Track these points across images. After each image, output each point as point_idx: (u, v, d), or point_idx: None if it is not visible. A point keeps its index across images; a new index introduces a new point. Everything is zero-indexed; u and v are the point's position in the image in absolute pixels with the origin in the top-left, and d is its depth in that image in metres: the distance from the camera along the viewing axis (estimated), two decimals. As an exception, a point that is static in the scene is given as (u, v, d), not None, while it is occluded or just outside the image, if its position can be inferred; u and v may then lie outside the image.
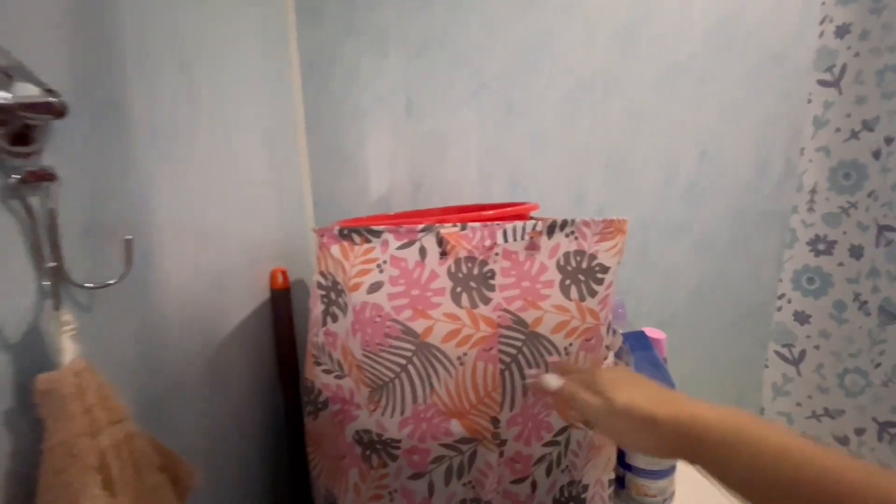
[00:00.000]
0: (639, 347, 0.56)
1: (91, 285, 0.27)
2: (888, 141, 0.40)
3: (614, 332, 0.57)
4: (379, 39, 0.90)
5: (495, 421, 0.44)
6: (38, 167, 0.24)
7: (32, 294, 0.25)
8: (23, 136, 0.24)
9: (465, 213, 0.54)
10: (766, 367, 0.46)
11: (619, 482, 0.60)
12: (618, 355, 0.57)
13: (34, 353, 0.25)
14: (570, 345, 0.44)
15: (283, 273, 0.67)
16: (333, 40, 0.89)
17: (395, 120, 0.93)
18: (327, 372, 0.49)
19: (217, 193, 0.50)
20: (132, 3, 0.35)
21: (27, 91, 0.22)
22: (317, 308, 0.48)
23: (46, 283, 0.25)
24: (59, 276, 0.25)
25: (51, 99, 0.22)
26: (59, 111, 0.23)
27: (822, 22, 0.42)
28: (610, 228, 0.46)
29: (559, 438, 0.46)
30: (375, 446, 0.46)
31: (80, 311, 0.27)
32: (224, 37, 0.55)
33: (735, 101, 0.94)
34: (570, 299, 0.44)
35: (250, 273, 0.61)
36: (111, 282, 0.28)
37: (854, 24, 0.40)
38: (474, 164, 0.96)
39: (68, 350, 0.24)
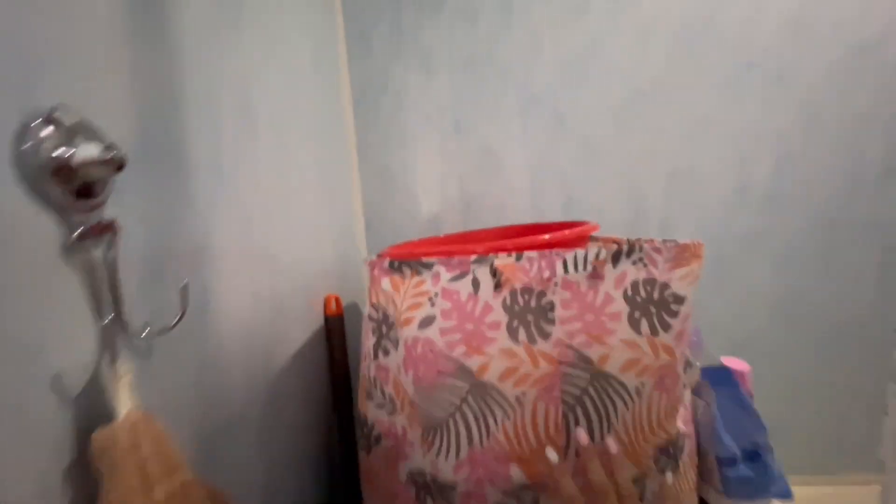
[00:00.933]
0: (721, 383, 0.50)
1: (145, 335, 0.27)
2: None
3: (690, 365, 0.52)
4: (426, 60, 0.90)
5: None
6: (100, 220, 0.25)
7: (92, 346, 0.25)
8: (86, 190, 0.24)
9: (519, 238, 0.51)
10: (887, 414, 0.39)
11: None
12: (696, 392, 0.51)
13: (93, 406, 0.25)
14: (642, 385, 0.40)
15: (337, 299, 0.67)
16: (382, 65, 0.91)
17: (444, 139, 0.92)
18: (379, 406, 0.47)
19: (276, 223, 0.51)
20: (198, 51, 0.36)
21: (88, 149, 0.23)
22: (368, 341, 0.47)
23: (105, 335, 0.25)
24: (117, 328, 0.25)
25: (110, 155, 0.23)
26: (118, 165, 0.23)
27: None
28: (685, 254, 0.41)
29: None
30: (430, 489, 0.44)
31: (139, 359, 0.28)
32: (281, 74, 0.57)
33: (817, 99, 0.85)
34: (640, 334, 0.40)
35: (305, 300, 0.61)
36: (170, 326, 0.29)
37: None
38: (526, 180, 0.93)
39: (124, 401, 0.24)
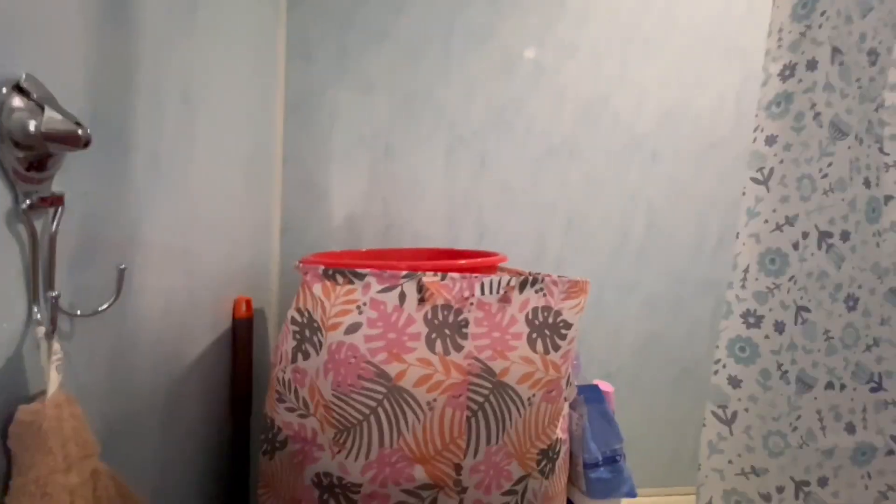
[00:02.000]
0: (592, 400, 0.60)
1: (80, 313, 0.27)
2: (804, 235, 0.48)
3: (570, 383, 0.61)
4: (367, 87, 0.95)
5: (458, 468, 0.45)
6: (50, 193, 0.25)
7: (21, 320, 0.24)
8: (40, 163, 0.24)
9: (437, 261, 0.57)
10: (704, 425, 0.51)
11: (567, 534, 0.61)
12: (572, 406, 0.60)
13: (14, 382, 0.24)
14: (533, 395, 0.47)
15: (248, 302, 0.66)
16: (321, 83, 0.93)
17: (374, 161, 0.96)
18: (290, 410, 0.48)
19: (200, 220, 0.50)
20: (150, 39, 0.37)
21: (55, 123, 0.23)
22: (287, 344, 0.48)
23: (38, 310, 0.25)
24: (55, 305, 0.25)
25: (77, 131, 0.23)
26: (84, 142, 0.23)
27: (755, 130, 0.50)
28: (575, 289, 0.50)
29: (517, 488, 0.48)
30: (335, 490, 0.45)
31: (63, 339, 0.27)
32: (221, 71, 0.57)
33: (681, 178, 1.05)
34: (535, 352, 0.47)
35: (217, 300, 0.60)
36: (101, 309, 0.28)
37: (780, 136, 0.48)
38: (445, 209, 1.00)
39: (53, 381, 0.24)
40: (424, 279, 0.44)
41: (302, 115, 0.93)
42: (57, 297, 0.24)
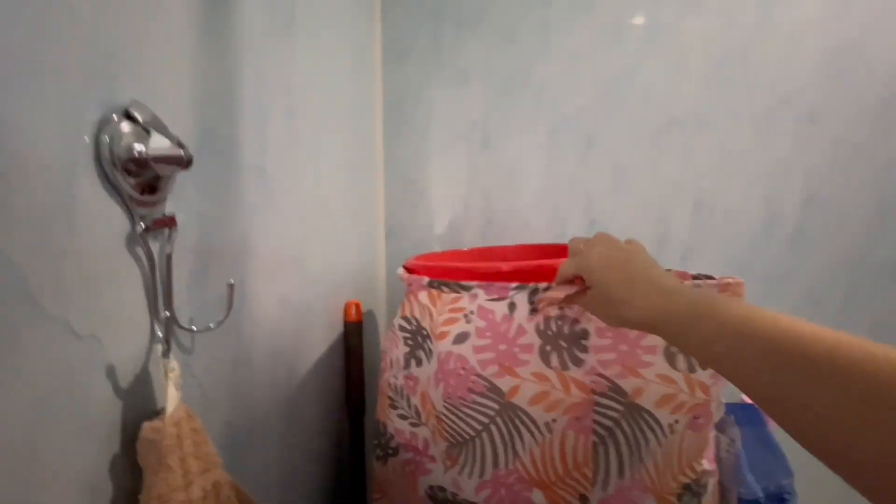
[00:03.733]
0: (747, 422, 0.49)
1: (196, 328, 0.27)
2: None
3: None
4: (461, 75, 0.91)
5: (584, 499, 0.40)
6: (162, 215, 0.25)
7: (145, 338, 0.25)
8: (151, 187, 0.24)
9: (545, 258, 0.51)
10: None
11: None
12: (719, 428, 0.50)
13: (141, 398, 0.25)
14: (676, 422, 0.39)
15: (357, 306, 0.67)
16: (417, 78, 0.92)
17: (471, 154, 0.93)
18: (402, 417, 0.47)
19: (307, 228, 0.51)
20: (252, 54, 0.37)
21: (161, 144, 0.23)
22: (398, 349, 0.47)
23: (158, 328, 0.25)
24: (170, 321, 0.25)
25: (180, 152, 0.23)
26: (186, 163, 0.23)
27: None
28: (726, 291, 0.40)
29: (656, 526, 0.40)
30: (448, 507, 0.43)
31: (185, 354, 0.28)
32: (322, 82, 0.57)
33: (851, 140, 0.84)
34: (676, 369, 0.39)
35: (327, 305, 0.61)
36: (212, 325, 0.28)
37: None
38: (551, 200, 0.92)
39: (172, 398, 0.24)
40: (535, 290, 0.39)
41: (400, 116, 0.94)
42: (171, 316, 0.25)
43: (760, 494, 0.47)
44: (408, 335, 0.45)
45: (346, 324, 0.66)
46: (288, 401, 0.46)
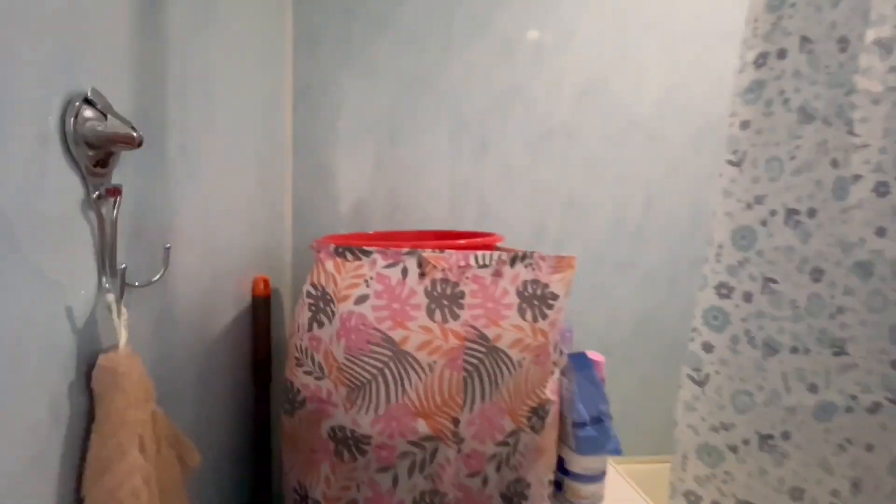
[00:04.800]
0: (580, 367, 0.65)
1: (137, 284, 0.33)
2: (772, 213, 0.52)
3: (561, 352, 0.66)
4: (371, 74, 0.99)
5: (456, 421, 0.52)
6: (111, 185, 0.30)
7: (94, 289, 0.30)
8: (103, 161, 0.29)
9: (440, 241, 0.62)
10: (680, 387, 0.56)
11: (558, 486, 0.68)
12: (563, 373, 0.66)
13: (92, 337, 0.30)
14: (523, 358, 0.52)
15: (266, 281, 0.72)
16: (327, 71, 0.97)
17: (379, 147, 1.01)
18: (308, 373, 0.54)
19: (219, 207, 0.56)
20: (177, 42, 0.41)
21: (116, 127, 0.28)
22: (304, 315, 0.54)
23: (107, 280, 0.30)
24: (123, 276, 0.30)
25: (133, 134, 0.29)
26: (138, 143, 0.29)
27: (731, 115, 0.54)
28: (562, 264, 0.55)
29: (510, 440, 0.54)
30: (348, 442, 0.52)
31: (124, 306, 0.33)
32: (235, 63, 0.61)
33: (678, 158, 1.09)
34: (525, 320, 0.52)
35: (238, 279, 0.66)
36: (154, 279, 0.34)
37: (752, 121, 0.52)
38: (448, 193, 1.05)
39: (123, 336, 0.30)
40: (424, 254, 0.50)
41: (310, 104, 0.98)
42: (125, 269, 0.30)
43: (586, 417, 0.64)
44: (312, 301, 0.53)
45: (254, 297, 0.71)
46: (202, 359, 0.51)
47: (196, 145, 0.47)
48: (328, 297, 0.51)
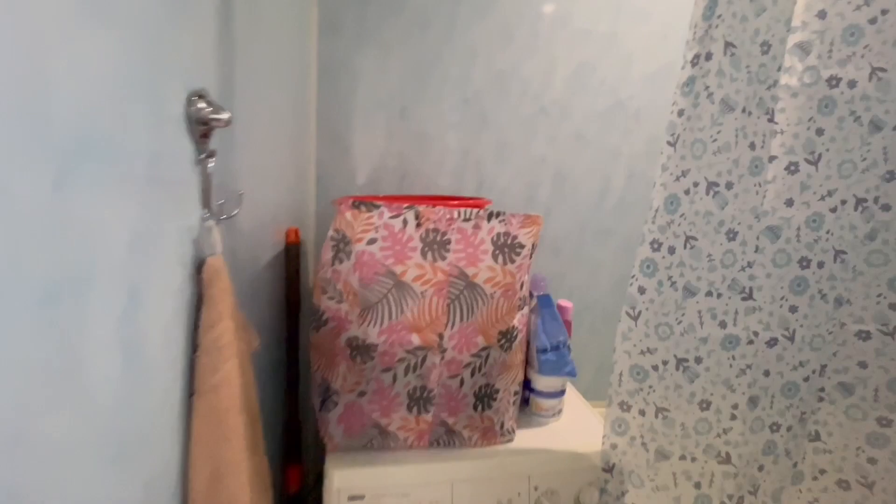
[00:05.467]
0: (545, 305, 0.81)
1: (223, 217, 0.49)
2: (695, 184, 0.66)
3: (531, 294, 0.82)
4: (384, 54, 1.12)
5: (441, 336, 0.68)
6: (210, 149, 0.46)
7: (198, 217, 0.46)
8: (206, 133, 0.45)
9: (437, 202, 0.78)
10: (619, 321, 0.72)
11: (525, 401, 0.85)
12: (532, 310, 0.82)
13: (198, 249, 0.47)
14: (494, 292, 0.69)
15: (296, 231, 0.89)
16: (346, 52, 1.10)
17: (390, 120, 1.15)
18: (330, 298, 0.71)
19: (264, 167, 0.72)
20: (241, 37, 0.56)
21: (221, 114, 0.44)
22: (328, 254, 0.70)
23: (207, 212, 0.47)
24: (219, 209, 0.47)
25: (227, 116, 0.44)
26: (227, 122, 0.44)
27: (672, 104, 0.67)
28: (529, 220, 0.70)
29: (482, 353, 0.71)
30: (360, 349, 0.69)
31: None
32: (275, 52, 0.76)
33: (658, 136, 1.20)
34: (497, 263, 0.68)
35: (274, 228, 0.82)
36: (233, 214, 0.50)
37: (685, 110, 0.65)
38: (450, 162, 1.19)
39: (219, 247, 0.46)
40: (420, 209, 0.65)
41: (330, 80, 1.12)
42: (221, 204, 0.47)
43: (548, 344, 0.80)
44: (334, 243, 0.69)
45: (287, 245, 0.88)
46: (252, 286, 0.68)
47: (251, 119, 0.62)
48: (347, 239, 0.67)
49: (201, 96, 0.44)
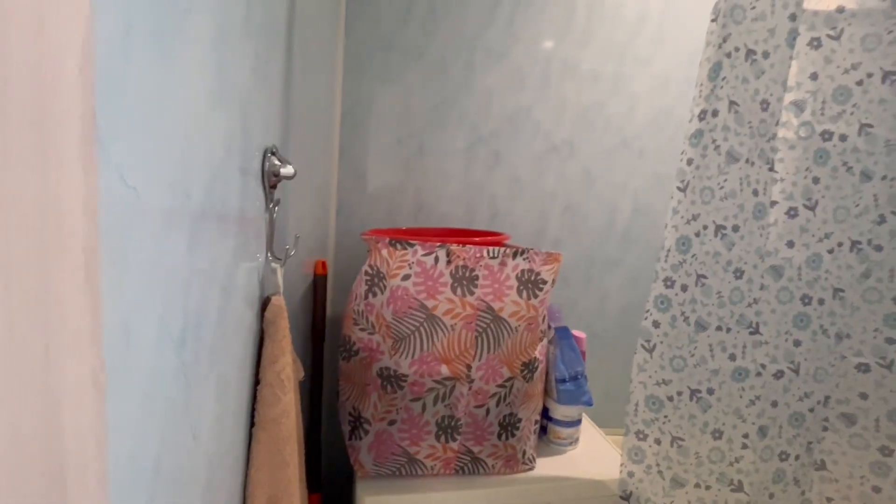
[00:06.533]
0: (563, 337, 0.85)
1: (282, 259, 0.54)
2: (704, 227, 0.71)
3: (549, 325, 0.87)
4: (404, 95, 1.19)
5: (468, 367, 0.72)
6: (277, 198, 0.51)
7: (264, 260, 0.51)
8: (274, 184, 0.50)
9: (460, 237, 0.83)
10: (635, 353, 0.76)
11: (543, 430, 0.88)
12: (550, 342, 0.86)
13: (264, 288, 0.51)
14: (519, 325, 0.73)
15: (324, 263, 0.93)
16: (369, 93, 1.17)
17: (409, 157, 1.21)
18: (362, 330, 0.75)
19: (303, 206, 0.77)
20: (298, 103, 0.62)
21: (287, 169, 0.49)
22: (361, 287, 0.75)
23: (270, 254, 0.51)
24: (286, 253, 0.51)
25: (292, 171, 0.49)
26: (293, 176, 0.49)
27: (681, 153, 0.73)
28: (550, 258, 0.75)
29: (507, 384, 0.75)
30: (391, 379, 0.73)
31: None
32: (313, 97, 0.82)
33: (661, 173, 1.28)
34: (521, 298, 0.73)
35: (305, 261, 0.87)
36: (290, 255, 0.55)
37: (694, 159, 0.71)
38: (465, 196, 1.25)
39: (281, 287, 0.50)
40: (451, 248, 0.70)
41: (354, 120, 1.18)
42: (287, 249, 0.51)
43: (566, 374, 0.84)
44: (368, 277, 0.74)
45: (316, 276, 0.92)
46: (292, 320, 0.72)
47: (300, 166, 0.67)
48: (381, 274, 0.72)
49: (273, 153, 0.49)
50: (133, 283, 0.23)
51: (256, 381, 0.49)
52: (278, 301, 0.50)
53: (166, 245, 0.27)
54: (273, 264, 0.51)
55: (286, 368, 0.49)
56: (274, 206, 0.50)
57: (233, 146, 0.39)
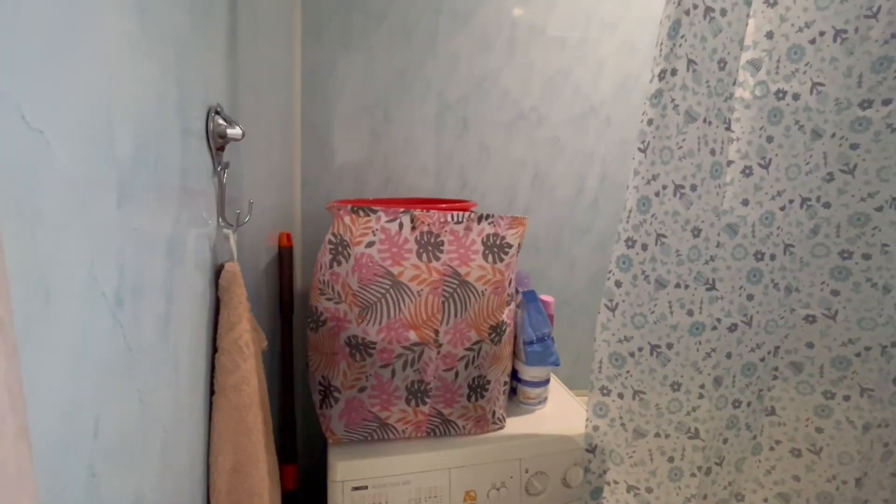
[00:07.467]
0: (530, 300, 0.87)
1: (234, 225, 0.52)
2: (664, 187, 0.73)
3: (517, 290, 0.88)
4: (368, 60, 1.15)
5: (436, 332, 0.73)
6: (225, 161, 0.49)
7: (215, 225, 0.49)
8: (222, 146, 0.48)
9: (425, 205, 0.82)
10: (599, 312, 0.79)
11: (513, 391, 0.91)
12: (518, 306, 0.88)
13: (216, 254, 0.49)
14: (485, 289, 0.74)
15: (289, 235, 0.91)
16: (330, 58, 1.12)
17: (375, 125, 1.18)
18: (328, 299, 0.74)
19: (262, 174, 0.74)
20: (246, 54, 0.59)
21: (235, 130, 0.47)
22: (325, 257, 0.74)
23: (222, 220, 0.49)
24: (237, 218, 0.49)
25: (241, 131, 0.47)
26: (242, 137, 0.47)
27: (642, 114, 0.73)
28: (515, 222, 0.75)
29: (475, 347, 0.76)
30: (359, 347, 0.73)
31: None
32: (266, 60, 0.78)
33: (628, 139, 1.29)
34: (487, 262, 0.73)
35: (269, 233, 0.85)
36: (244, 222, 0.53)
37: (654, 119, 0.72)
38: (433, 165, 1.23)
39: (235, 253, 0.49)
40: (415, 213, 0.69)
41: (315, 86, 1.14)
42: (238, 213, 0.49)
43: (534, 337, 0.86)
44: (332, 246, 0.73)
45: (280, 248, 0.90)
46: (253, 289, 0.71)
47: (253, 129, 0.65)
48: (345, 242, 0.71)
49: (217, 112, 0.46)
50: (49, 235, 0.22)
51: (215, 350, 0.48)
52: (232, 267, 0.48)
53: (89, 199, 0.26)
54: (225, 230, 0.49)
55: (244, 335, 0.48)
56: (222, 170, 0.48)
57: (167, 98, 0.36)
